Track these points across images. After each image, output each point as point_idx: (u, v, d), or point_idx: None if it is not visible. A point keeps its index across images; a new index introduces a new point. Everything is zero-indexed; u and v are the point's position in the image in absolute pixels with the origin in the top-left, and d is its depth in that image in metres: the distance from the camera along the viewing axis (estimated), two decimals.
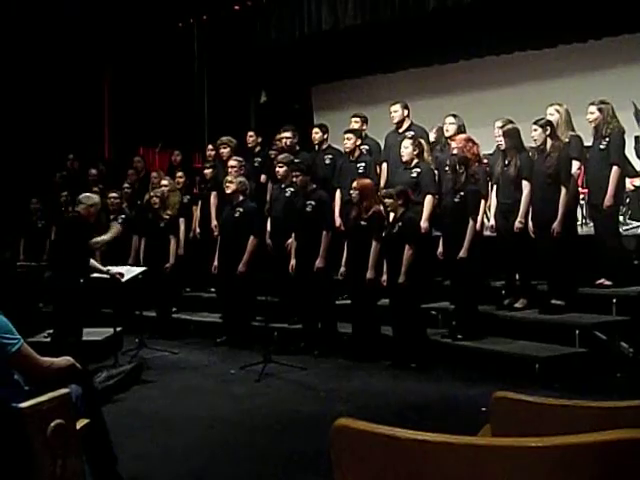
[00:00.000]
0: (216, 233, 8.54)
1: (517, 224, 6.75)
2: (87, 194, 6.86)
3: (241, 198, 8.11)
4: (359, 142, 7.94)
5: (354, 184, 7.22)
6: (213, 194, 8.89)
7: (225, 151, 8.91)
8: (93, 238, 6.69)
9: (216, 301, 8.83)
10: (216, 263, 8.29)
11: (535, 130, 6.68)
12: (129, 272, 7.43)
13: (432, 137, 8.08)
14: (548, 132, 6.64)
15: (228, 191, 8.10)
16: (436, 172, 7.52)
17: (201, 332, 8.68)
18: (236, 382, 6.50)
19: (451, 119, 7.60)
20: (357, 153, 7.93)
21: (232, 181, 8.08)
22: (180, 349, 7.92)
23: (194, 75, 11.67)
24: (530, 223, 6.79)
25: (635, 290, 6.53)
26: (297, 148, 8.56)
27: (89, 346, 7.20)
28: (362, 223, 7.14)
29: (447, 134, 7.64)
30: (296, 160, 8.11)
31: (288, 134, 8.52)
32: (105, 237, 6.90)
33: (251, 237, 7.96)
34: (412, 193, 7.08)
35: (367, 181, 7.33)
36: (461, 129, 7.55)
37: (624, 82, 8.46)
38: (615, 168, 6.60)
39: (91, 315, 8.69)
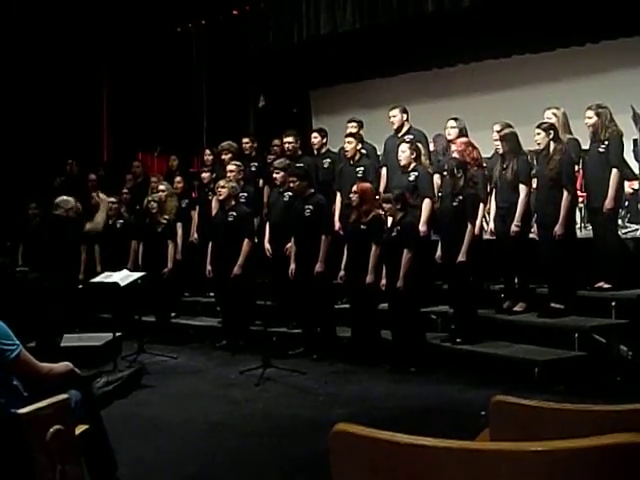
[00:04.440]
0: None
1: (513, 227, 6.76)
2: (64, 198, 6.97)
3: (233, 203, 8.12)
4: (359, 146, 7.96)
5: (354, 188, 7.23)
6: (215, 198, 8.85)
7: (227, 157, 8.89)
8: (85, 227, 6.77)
9: (215, 305, 8.83)
10: (209, 267, 8.30)
11: (538, 134, 6.69)
12: (128, 277, 7.43)
13: (432, 147, 8.11)
14: (551, 136, 6.65)
15: (221, 197, 8.10)
16: (437, 175, 7.53)
17: (200, 337, 8.68)
18: (235, 386, 6.50)
19: (452, 122, 7.62)
20: (357, 157, 7.94)
21: (224, 186, 8.08)
22: (179, 354, 7.91)
23: (193, 79, 11.68)
24: (535, 226, 6.80)
25: (634, 293, 6.53)
26: (299, 153, 8.56)
27: (88, 351, 7.20)
28: (362, 227, 7.14)
29: (449, 137, 7.66)
30: (297, 165, 8.13)
31: (290, 139, 8.51)
32: (99, 217, 6.98)
33: (245, 240, 7.97)
34: (410, 197, 7.08)
35: (367, 185, 7.33)
36: (462, 132, 7.56)
37: (622, 85, 8.46)
38: (615, 171, 6.61)
39: (85, 319, 8.72)
